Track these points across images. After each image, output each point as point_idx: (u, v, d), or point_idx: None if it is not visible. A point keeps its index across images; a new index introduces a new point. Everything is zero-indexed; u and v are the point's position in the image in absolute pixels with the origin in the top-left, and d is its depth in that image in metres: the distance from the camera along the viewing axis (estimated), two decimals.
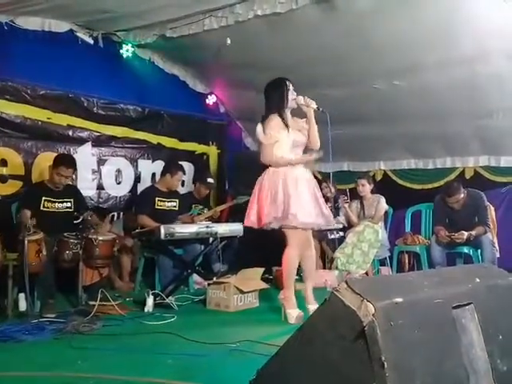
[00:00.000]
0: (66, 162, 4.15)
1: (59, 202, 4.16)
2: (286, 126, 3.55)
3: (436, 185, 5.69)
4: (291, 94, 3.59)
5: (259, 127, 3.57)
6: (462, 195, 4.62)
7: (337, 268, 5.04)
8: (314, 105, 3.55)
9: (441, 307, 1.46)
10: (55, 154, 4.50)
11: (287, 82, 3.60)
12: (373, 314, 1.26)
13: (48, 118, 4.79)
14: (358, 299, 1.29)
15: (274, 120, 3.56)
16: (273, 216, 3.52)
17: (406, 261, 5.33)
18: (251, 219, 3.63)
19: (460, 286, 1.59)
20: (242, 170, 6.12)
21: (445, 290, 1.52)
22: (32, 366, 2.62)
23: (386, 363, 1.23)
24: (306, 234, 3.67)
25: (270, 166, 3.63)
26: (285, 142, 3.55)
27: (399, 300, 1.34)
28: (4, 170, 4.51)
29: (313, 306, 3.61)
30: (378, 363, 1.23)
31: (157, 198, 4.93)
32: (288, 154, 3.58)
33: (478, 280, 1.66)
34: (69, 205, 4.20)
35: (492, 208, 4.86)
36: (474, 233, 4.50)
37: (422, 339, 1.36)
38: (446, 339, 1.44)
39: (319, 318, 1.38)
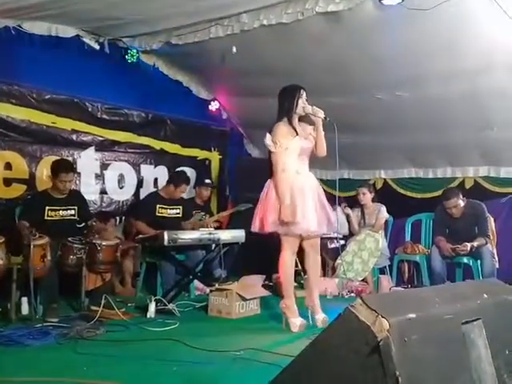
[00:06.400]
0: (65, 167, 4.12)
1: (63, 210, 4.15)
2: (295, 131, 3.60)
3: (436, 194, 5.71)
4: (302, 102, 3.64)
5: (268, 136, 3.62)
6: (461, 202, 4.67)
7: (338, 276, 5.08)
8: (321, 114, 3.61)
9: (451, 323, 1.49)
10: (59, 158, 4.52)
11: (300, 90, 3.66)
12: (387, 330, 1.29)
13: (53, 123, 4.80)
14: (372, 315, 1.32)
15: (281, 127, 3.61)
16: (278, 223, 3.55)
17: (406, 270, 5.37)
18: (256, 224, 3.67)
19: (469, 302, 1.63)
20: (244, 176, 6.17)
21: (455, 305, 1.56)
22: (37, 371, 2.63)
23: (400, 378, 1.26)
24: (311, 241, 3.70)
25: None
26: (293, 148, 3.60)
27: (412, 316, 1.37)
28: (8, 174, 4.52)
29: (320, 317, 3.65)
30: (392, 379, 1.26)
31: (158, 205, 4.96)
32: (295, 161, 3.62)
33: (485, 296, 1.70)
34: (72, 212, 4.20)
35: (491, 219, 4.90)
36: (475, 244, 4.54)
37: (434, 355, 1.39)
38: (457, 354, 1.48)
39: (333, 333, 1.41)
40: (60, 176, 4.05)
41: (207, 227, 4.79)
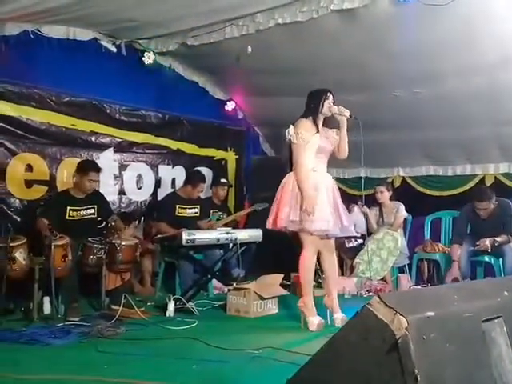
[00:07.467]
0: (95, 166, 4.25)
1: (84, 209, 4.21)
2: (317, 129, 3.62)
3: (455, 192, 5.65)
4: (327, 104, 3.66)
5: (290, 128, 3.63)
6: (492, 206, 4.55)
7: (357, 275, 5.05)
8: (347, 113, 3.63)
9: (471, 321, 1.48)
10: (78, 160, 4.58)
11: (327, 93, 3.69)
12: (406, 328, 1.28)
13: (72, 125, 4.87)
14: (390, 313, 1.31)
15: (304, 122, 3.65)
16: (290, 219, 3.55)
17: (426, 268, 5.32)
18: (270, 221, 3.68)
19: (489, 300, 1.61)
20: (260, 176, 6.18)
21: (474, 303, 1.54)
22: (59, 369, 2.67)
23: (419, 376, 1.25)
24: (324, 241, 3.69)
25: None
26: (312, 144, 3.62)
27: (431, 314, 1.36)
28: (29, 175, 4.59)
29: (339, 316, 3.64)
30: (411, 377, 1.25)
31: (177, 206, 5.01)
32: (312, 159, 3.63)
33: (506, 293, 1.67)
34: (92, 211, 4.26)
35: None
36: (499, 239, 4.45)
37: (453, 352, 1.38)
38: (476, 352, 1.46)
39: (351, 331, 1.40)
40: (90, 175, 4.13)
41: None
